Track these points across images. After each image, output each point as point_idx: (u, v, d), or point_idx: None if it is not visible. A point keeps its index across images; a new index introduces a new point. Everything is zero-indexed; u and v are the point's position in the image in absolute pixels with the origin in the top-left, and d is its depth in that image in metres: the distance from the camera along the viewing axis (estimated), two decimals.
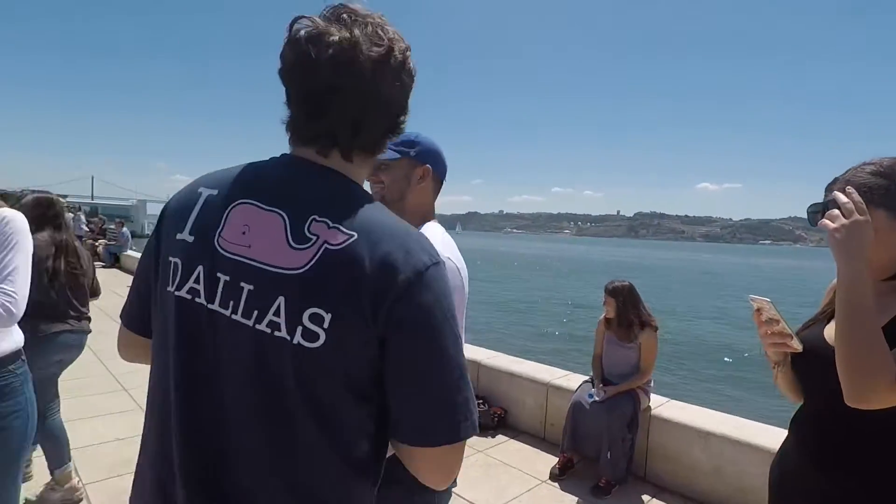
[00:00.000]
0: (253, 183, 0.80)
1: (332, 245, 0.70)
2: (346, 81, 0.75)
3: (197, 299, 0.76)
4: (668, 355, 11.57)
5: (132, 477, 0.84)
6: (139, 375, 4.76)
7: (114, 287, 10.25)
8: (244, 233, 0.75)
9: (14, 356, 1.68)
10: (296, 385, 0.70)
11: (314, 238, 0.71)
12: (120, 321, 0.96)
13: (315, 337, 0.68)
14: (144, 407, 0.83)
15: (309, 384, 0.70)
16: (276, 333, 0.69)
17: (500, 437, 3.90)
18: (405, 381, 0.72)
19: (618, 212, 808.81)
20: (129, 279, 10.35)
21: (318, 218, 0.72)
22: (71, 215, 8.25)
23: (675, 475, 3.20)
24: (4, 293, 1.51)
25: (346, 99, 0.76)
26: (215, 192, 0.80)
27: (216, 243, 0.76)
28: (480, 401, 4.16)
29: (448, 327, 0.73)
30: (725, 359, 12.08)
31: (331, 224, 0.71)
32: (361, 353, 0.71)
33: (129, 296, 0.94)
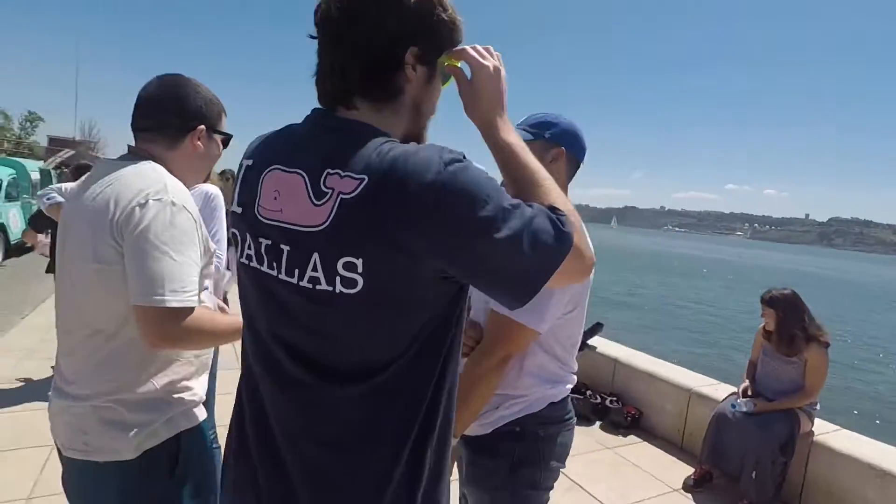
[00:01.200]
0: (279, 147, 0.85)
1: (346, 194, 0.72)
2: (323, 33, 0.81)
3: (251, 263, 0.84)
4: (846, 379, 9.95)
5: None
6: None
7: None
8: (275, 198, 0.80)
9: None
10: (342, 329, 0.77)
11: (330, 191, 0.73)
12: None
13: (353, 283, 0.72)
14: None
15: (355, 326, 0.76)
16: (318, 287, 0.74)
17: (633, 438, 3.75)
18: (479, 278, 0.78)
19: (806, 215, 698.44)
20: None
21: (331, 171, 0.74)
22: None
23: None
24: (216, 256, 1.89)
25: (325, 49, 0.81)
26: (251, 161, 0.87)
27: (256, 212, 0.83)
28: (614, 398, 4.04)
29: (481, 205, 0.70)
30: None
31: (342, 173, 0.73)
32: (406, 281, 0.74)
33: None
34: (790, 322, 3.01)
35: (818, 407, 3.03)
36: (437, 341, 0.81)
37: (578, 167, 1.51)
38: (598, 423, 3.93)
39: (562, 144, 1.42)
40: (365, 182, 0.71)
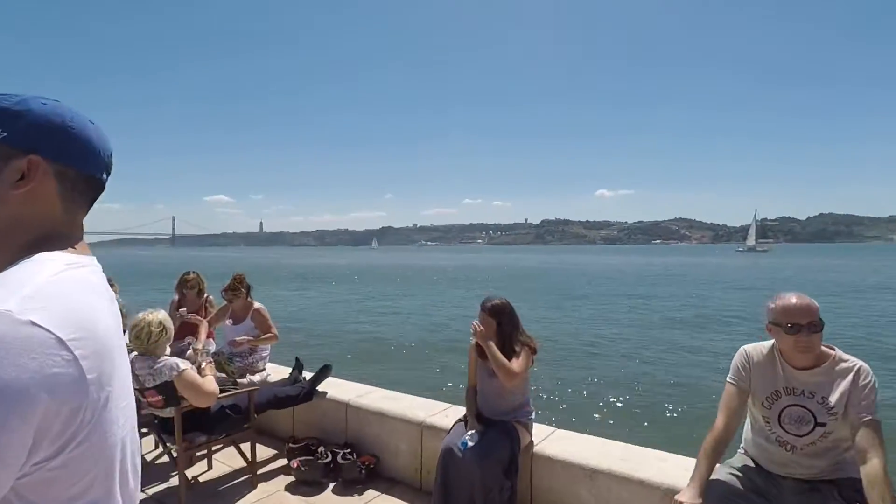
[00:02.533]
0: None
1: None
2: None
3: None
4: (558, 374, 10.46)
5: None
6: None
7: None
8: None
9: None
10: None
11: None
12: None
13: None
14: None
15: None
16: None
17: (370, 493, 3.28)
18: None
19: (525, 220, 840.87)
20: None
21: None
22: None
23: None
24: None
25: None
26: None
27: None
28: (348, 450, 3.53)
29: None
30: (624, 380, 10.42)
31: None
32: None
33: None
34: (509, 331, 2.91)
35: (533, 416, 3.01)
36: None
37: (98, 186, 0.86)
38: (331, 486, 3.36)
39: (36, 150, 0.77)
40: None
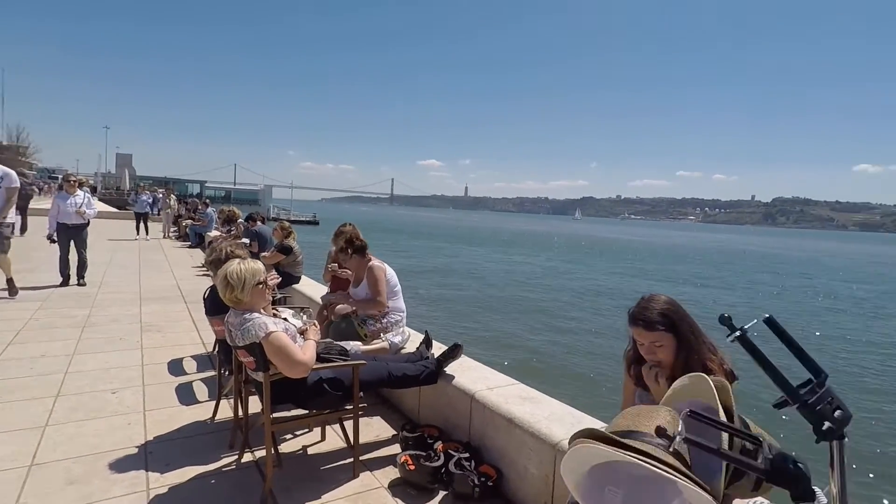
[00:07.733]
0: None
1: None
2: None
3: None
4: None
5: None
6: None
7: (177, 266, 10.28)
8: None
9: None
10: None
11: None
12: None
13: None
14: None
15: None
16: None
17: None
18: None
19: (753, 197, 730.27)
20: (201, 258, 10.36)
21: None
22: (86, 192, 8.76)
23: None
24: None
25: None
26: None
27: None
28: (466, 455, 2.82)
29: None
30: None
31: None
32: None
33: None
34: (693, 347, 1.81)
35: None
36: None
37: None
38: (441, 495, 2.71)
39: None
40: None
